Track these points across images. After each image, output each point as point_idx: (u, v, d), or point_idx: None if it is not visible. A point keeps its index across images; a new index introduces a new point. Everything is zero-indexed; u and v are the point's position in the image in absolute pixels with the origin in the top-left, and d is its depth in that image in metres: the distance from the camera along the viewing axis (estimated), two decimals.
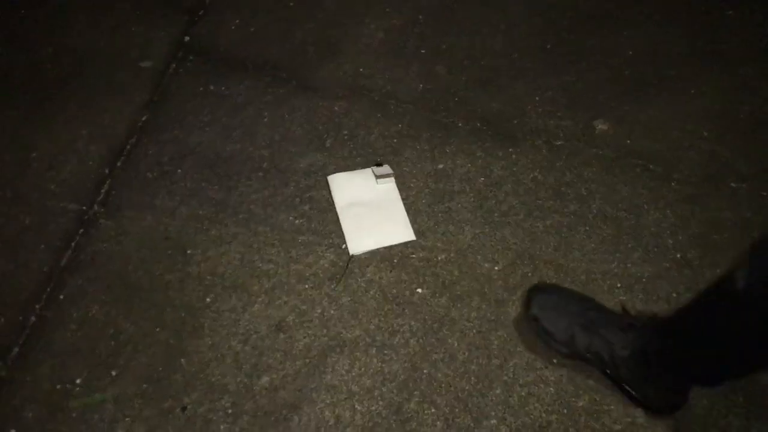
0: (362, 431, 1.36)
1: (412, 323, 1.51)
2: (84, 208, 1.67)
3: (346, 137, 1.85)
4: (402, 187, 1.75)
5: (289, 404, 1.40)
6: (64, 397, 1.39)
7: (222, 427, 1.36)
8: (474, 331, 1.50)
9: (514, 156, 1.82)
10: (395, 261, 1.61)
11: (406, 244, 1.64)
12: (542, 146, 1.84)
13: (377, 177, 1.74)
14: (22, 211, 1.66)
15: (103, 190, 1.71)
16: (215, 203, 1.70)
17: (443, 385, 1.42)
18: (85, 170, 1.74)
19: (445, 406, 1.40)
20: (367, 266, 1.60)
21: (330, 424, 1.37)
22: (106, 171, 1.74)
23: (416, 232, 1.66)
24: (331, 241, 1.64)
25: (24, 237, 1.62)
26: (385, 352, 1.47)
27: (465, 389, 1.42)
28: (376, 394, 1.41)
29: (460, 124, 1.89)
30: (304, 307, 1.53)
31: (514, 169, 1.79)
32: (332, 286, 1.56)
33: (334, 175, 1.76)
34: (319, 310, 1.53)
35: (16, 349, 1.46)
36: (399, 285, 1.57)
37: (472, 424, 1.37)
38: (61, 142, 1.80)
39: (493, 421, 1.38)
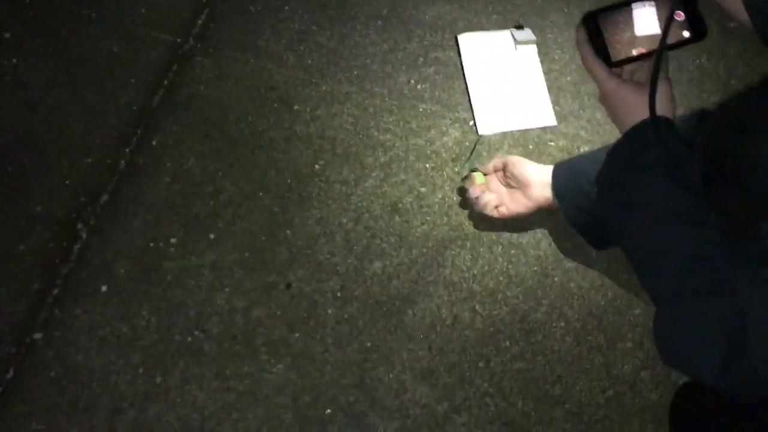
0: (482, 336, 1.23)
1: (546, 223, 1.33)
2: (178, 40, 1.46)
3: None
4: (545, 58, 1.49)
5: (403, 296, 1.26)
6: (157, 257, 1.27)
7: (330, 311, 1.24)
8: None
9: None
10: (530, 147, 1.40)
11: (544, 129, 1.42)
12: (713, 27, 1.54)
13: (517, 42, 1.48)
14: (108, 37, 1.45)
15: (199, 21, 1.48)
16: (326, 52, 1.47)
17: (576, 297, 1.27)
18: None
19: (576, 321, 1.25)
20: (498, 150, 1.40)
21: (447, 323, 1.24)
22: None
23: (557, 115, 1.43)
24: (457, 114, 1.42)
25: (112, 67, 1.43)
26: (512, 252, 1.31)
27: (600, 305, 1.27)
28: (499, 297, 1.27)
29: None
30: (423, 190, 1.35)
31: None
32: (456, 169, 1.37)
33: (466, 34, 1.49)
34: (440, 195, 1.35)
35: (106, 197, 1.31)
36: None
37: (604, 345, 1.24)
38: None
39: (629, 344, 1.24)
